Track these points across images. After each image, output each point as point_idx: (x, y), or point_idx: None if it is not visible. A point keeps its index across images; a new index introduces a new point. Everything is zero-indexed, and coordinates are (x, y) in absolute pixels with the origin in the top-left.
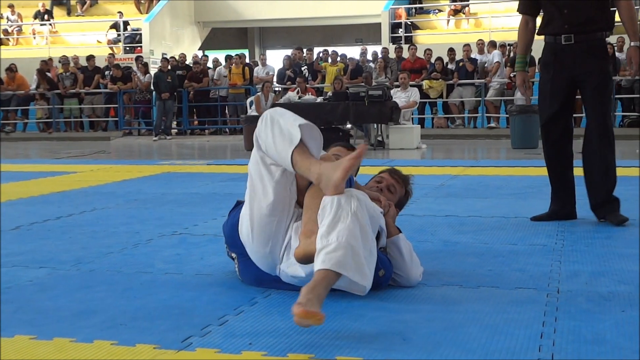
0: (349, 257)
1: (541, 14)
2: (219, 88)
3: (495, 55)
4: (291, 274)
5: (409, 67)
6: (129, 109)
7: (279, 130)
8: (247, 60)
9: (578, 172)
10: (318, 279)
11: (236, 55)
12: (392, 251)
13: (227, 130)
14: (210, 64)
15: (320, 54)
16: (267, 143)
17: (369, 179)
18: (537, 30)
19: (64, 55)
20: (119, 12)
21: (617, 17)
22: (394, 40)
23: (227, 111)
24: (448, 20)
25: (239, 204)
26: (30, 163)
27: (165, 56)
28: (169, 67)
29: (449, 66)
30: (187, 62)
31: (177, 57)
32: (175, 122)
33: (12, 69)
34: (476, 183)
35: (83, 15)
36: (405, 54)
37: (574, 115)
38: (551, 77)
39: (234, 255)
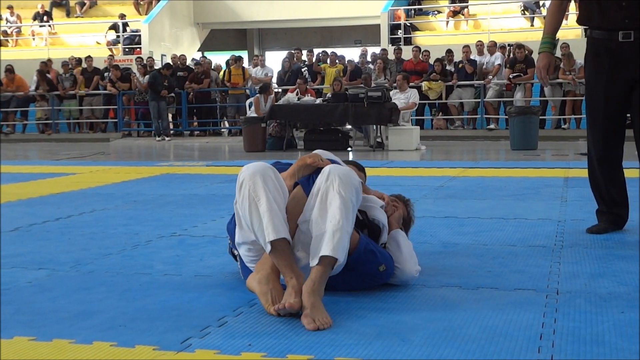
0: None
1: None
2: (218, 90)
3: (497, 57)
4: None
5: (411, 68)
6: (128, 110)
7: (257, 221)
8: (246, 63)
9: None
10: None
11: (232, 56)
12: (391, 245)
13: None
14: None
15: (320, 55)
16: (248, 223)
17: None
18: (579, 20)
19: (72, 56)
20: (121, 14)
21: None
22: (393, 41)
23: (221, 111)
24: (447, 22)
25: None
26: (29, 164)
27: (164, 58)
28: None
29: (448, 67)
30: (187, 64)
31: (177, 59)
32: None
33: (11, 70)
34: (475, 184)
35: (82, 17)
36: (404, 55)
37: (570, 116)
38: (605, 77)
39: (236, 252)
